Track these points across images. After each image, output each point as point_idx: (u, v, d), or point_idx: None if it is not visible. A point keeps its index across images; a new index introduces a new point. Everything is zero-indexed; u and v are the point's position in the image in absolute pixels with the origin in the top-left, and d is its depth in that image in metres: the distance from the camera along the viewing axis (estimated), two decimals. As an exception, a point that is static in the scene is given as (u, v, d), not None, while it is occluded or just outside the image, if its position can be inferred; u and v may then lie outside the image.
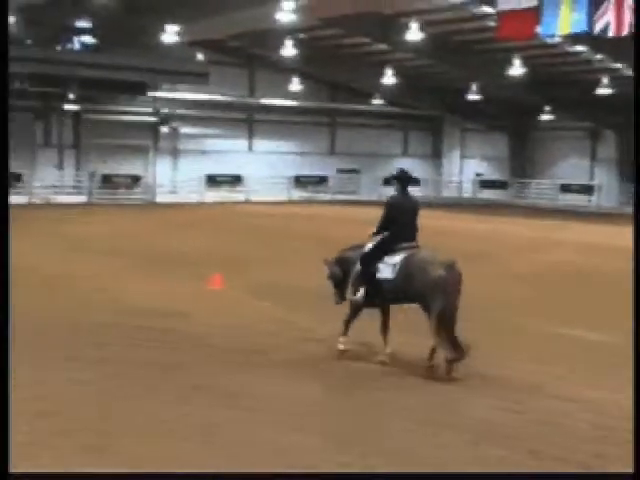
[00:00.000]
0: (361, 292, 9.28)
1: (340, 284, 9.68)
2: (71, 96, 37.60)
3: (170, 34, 31.93)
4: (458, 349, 8.63)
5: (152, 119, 42.16)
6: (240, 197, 42.10)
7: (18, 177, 38.38)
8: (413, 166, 50.37)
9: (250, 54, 42.45)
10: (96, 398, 7.69)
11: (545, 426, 7.30)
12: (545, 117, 43.42)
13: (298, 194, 44.69)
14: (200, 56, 38.92)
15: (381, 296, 9.19)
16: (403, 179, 9.37)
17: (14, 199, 36.06)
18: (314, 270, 10.92)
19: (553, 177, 45.42)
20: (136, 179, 41.78)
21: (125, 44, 34.62)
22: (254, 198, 41.69)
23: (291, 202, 41.63)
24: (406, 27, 30.93)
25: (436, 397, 8.10)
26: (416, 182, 8.73)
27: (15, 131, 37.70)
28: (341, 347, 9.44)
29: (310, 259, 12.85)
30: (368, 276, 9.15)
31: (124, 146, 41.27)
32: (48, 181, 39.69)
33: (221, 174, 43.61)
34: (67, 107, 39.01)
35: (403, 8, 30.42)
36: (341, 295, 9.71)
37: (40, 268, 16.23)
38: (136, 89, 37.95)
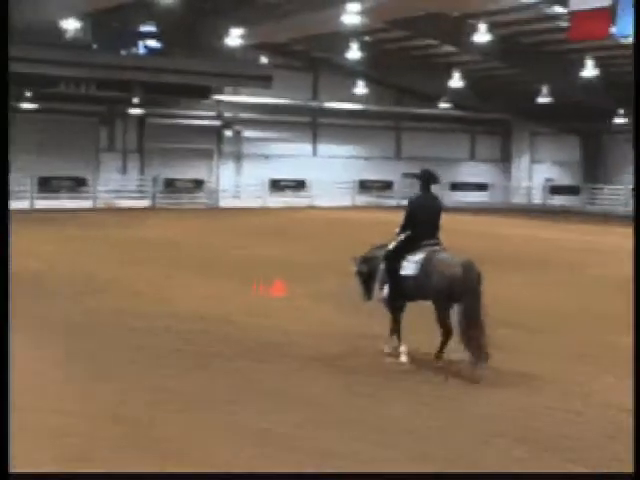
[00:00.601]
0: (385, 289, 9.59)
1: (367, 282, 10.02)
2: (135, 100, 38.17)
3: (234, 37, 32.17)
4: (480, 352, 8.76)
5: (215, 123, 42.54)
6: (304, 202, 42.19)
7: (83, 181, 39.16)
8: (480, 171, 50.09)
9: (314, 57, 42.55)
10: (165, 406, 7.74)
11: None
12: (619, 120, 42.62)
13: (363, 199, 44.62)
14: (264, 59, 39.17)
15: (404, 293, 9.49)
16: (425, 179, 9.67)
17: (79, 203, 37.01)
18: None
19: (626, 182, 44.55)
20: (199, 183, 42.22)
21: (189, 48, 35.03)
22: (318, 203, 41.74)
23: (356, 207, 41.58)
24: (474, 29, 30.68)
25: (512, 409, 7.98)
26: (436, 181, 9.42)
27: (80, 136, 38.91)
28: (403, 359, 9.53)
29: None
30: (392, 273, 9.47)
31: (187, 150, 41.72)
32: (112, 185, 40.34)
33: (285, 179, 43.80)
34: (131, 111, 39.60)
35: (471, 9, 30.17)
36: (368, 292, 10.05)
37: (102, 274, 16.44)
38: (200, 93, 38.35)
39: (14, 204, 37.85)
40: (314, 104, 44.33)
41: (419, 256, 9.25)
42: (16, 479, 2.09)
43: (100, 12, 31.28)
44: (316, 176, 43.78)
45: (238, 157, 44.15)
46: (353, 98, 43.63)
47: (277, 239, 24.08)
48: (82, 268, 17.13)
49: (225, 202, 40.89)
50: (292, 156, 44.71)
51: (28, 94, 36.10)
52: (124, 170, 41.14)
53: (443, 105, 45.61)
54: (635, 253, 6.24)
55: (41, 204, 36.18)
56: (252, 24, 31.64)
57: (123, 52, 35.30)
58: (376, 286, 9.84)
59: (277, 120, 43.64)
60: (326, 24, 30.49)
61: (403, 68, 40.49)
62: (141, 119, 40.87)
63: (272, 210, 38.43)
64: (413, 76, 41.52)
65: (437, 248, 9.34)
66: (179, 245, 22.26)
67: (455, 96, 43.32)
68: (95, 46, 34.46)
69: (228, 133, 43.13)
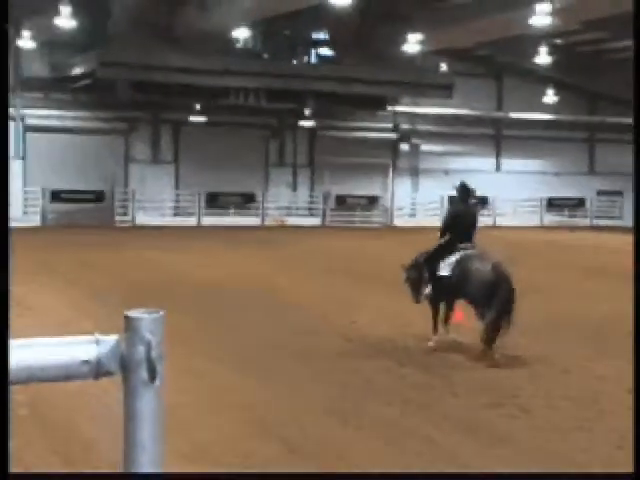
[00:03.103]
0: (428, 288, 11.38)
1: (416, 286, 11.67)
2: (307, 112, 38.62)
3: (412, 43, 32.10)
4: (491, 338, 10.40)
5: (391, 136, 42.52)
6: (486, 221, 41.44)
7: (251, 197, 39.92)
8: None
9: (499, 63, 41.98)
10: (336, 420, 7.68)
11: None
12: None
13: (552, 218, 43.50)
14: (444, 66, 38.90)
15: (442, 292, 11.26)
16: (462, 192, 12.01)
17: (247, 220, 37.76)
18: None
19: None
20: (373, 200, 42.29)
21: (363, 55, 35.22)
22: (501, 222, 40.98)
23: (544, 227, 40.56)
24: (682, 27, 29.39)
25: None
26: (472, 194, 11.66)
27: (249, 149, 39.77)
28: (431, 344, 11.16)
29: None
30: (431, 274, 11.30)
31: (360, 165, 41.83)
32: (281, 202, 40.98)
33: (465, 196, 43.18)
34: (302, 124, 40.10)
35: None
36: (417, 295, 11.70)
37: (283, 291, 16.67)
38: (375, 103, 38.45)
39: (180, 220, 39.03)
40: (498, 114, 43.69)
41: (454, 258, 11.10)
42: (16, 479, 2.10)
43: (271, 20, 31.95)
44: (499, 193, 43.00)
45: (415, 172, 43.97)
46: (542, 107, 42.66)
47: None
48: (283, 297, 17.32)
49: (400, 221, 40.78)
50: (473, 171, 43.95)
51: (197, 106, 37.20)
52: (294, 186, 41.70)
53: (644, 114, 43.91)
54: (635, 254, 6.06)
55: (208, 221, 37.19)
56: (431, 29, 31.49)
57: (295, 61, 35.92)
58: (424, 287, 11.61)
59: (458, 132, 43.18)
60: (513, 27, 30.00)
61: (598, 73, 39.41)
62: (312, 132, 41.35)
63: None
64: (610, 82, 40.29)
65: (470, 251, 11.19)
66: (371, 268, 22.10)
67: (658, 103, 41.63)
68: (266, 55, 35.24)
69: (404, 147, 43.00)
